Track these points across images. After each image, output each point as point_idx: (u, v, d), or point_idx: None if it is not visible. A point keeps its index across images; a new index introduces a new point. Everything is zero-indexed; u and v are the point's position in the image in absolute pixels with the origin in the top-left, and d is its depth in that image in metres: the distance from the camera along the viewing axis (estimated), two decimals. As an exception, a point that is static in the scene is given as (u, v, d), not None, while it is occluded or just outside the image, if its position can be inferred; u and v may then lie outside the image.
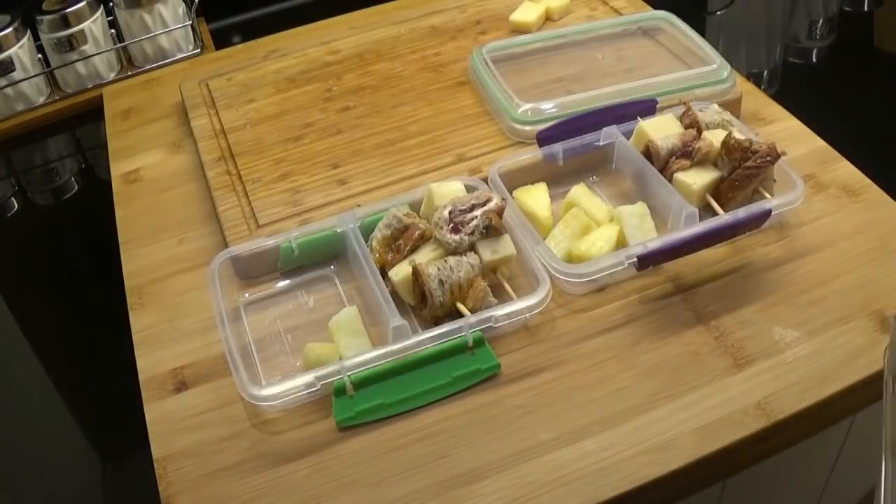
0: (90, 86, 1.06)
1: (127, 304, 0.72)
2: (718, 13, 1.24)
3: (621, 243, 0.70)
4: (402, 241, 0.68)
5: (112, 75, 1.07)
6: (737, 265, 0.70)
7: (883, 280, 0.67)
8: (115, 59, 1.08)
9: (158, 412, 0.63)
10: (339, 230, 0.70)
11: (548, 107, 0.81)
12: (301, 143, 0.84)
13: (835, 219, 0.73)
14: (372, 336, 0.66)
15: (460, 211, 0.67)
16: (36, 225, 0.96)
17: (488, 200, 0.67)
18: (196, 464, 0.59)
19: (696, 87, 0.82)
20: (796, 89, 1.06)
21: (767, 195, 0.71)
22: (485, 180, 0.74)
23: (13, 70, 1.01)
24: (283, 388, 0.60)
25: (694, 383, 0.61)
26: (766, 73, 1.10)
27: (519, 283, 0.68)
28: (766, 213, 0.68)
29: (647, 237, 0.69)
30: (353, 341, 0.64)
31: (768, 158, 0.69)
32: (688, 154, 0.73)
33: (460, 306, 0.65)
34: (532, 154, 0.76)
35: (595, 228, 0.72)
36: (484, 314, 0.63)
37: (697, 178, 0.72)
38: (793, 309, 0.66)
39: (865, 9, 1.21)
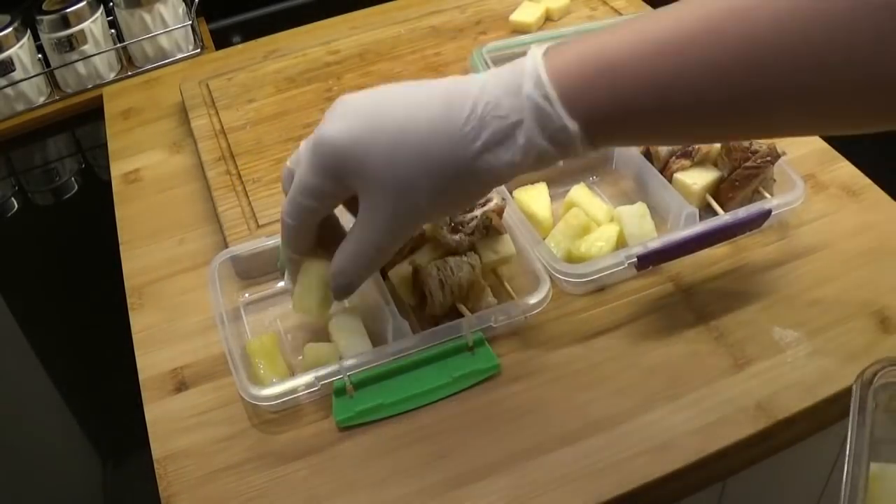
0: (90, 86, 1.06)
1: (127, 304, 0.72)
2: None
3: (621, 243, 0.70)
4: (402, 241, 0.68)
5: (112, 75, 1.07)
6: (737, 265, 0.70)
7: (883, 280, 0.67)
8: (115, 59, 1.08)
9: (158, 412, 0.63)
10: (339, 230, 0.70)
11: (548, 107, 0.80)
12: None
13: (835, 219, 0.73)
14: (372, 336, 0.65)
15: (460, 211, 0.67)
16: (36, 225, 0.96)
17: (488, 200, 0.67)
18: (196, 464, 0.59)
19: (696, 87, 0.82)
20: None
21: (767, 195, 0.71)
22: (485, 180, 0.73)
23: (13, 70, 1.00)
24: (284, 388, 0.60)
25: (694, 383, 0.61)
26: (766, 73, 1.10)
27: (519, 283, 0.68)
28: (766, 213, 0.68)
29: (647, 237, 0.69)
30: (353, 341, 0.64)
31: (768, 158, 0.69)
32: (688, 154, 0.73)
33: (460, 306, 0.65)
34: (532, 154, 0.76)
35: (595, 228, 0.72)
36: (484, 314, 0.63)
37: (697, 178, 0.72)
38: (793, 309, 0.66)
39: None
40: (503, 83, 0.49)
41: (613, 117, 0.48)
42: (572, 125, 0.47)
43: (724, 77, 0.44)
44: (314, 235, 0.58)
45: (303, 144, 0.54)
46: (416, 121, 0.49)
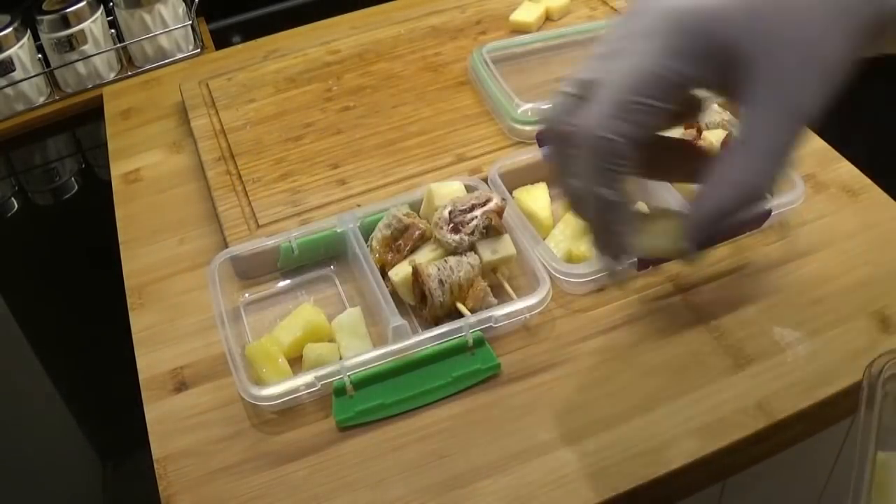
0: (90, 86, 1.06)
1: (127, 304, 0.72)
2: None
3: (621, 243, 0.70)
4: (402, 241, 0.68)
5: (112, 75, 1.07)
6: (737, 265, 0.70)
7: (883, 280, 0.67)
8: (115, 59, 1.08)
9: (158, 412, 0.63)
10: (339, 230, 0.70)
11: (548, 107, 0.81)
12: (301, 143, 0.84)
13: (835, 219, 0.73)
14: (372, 336, 0.66)
15: (460, 211, 0.67)
16: (36, 225, 0.96)
17: (488, 200, 0.67)
18: (196, 464, 0.59)
19: (696, 87, 0.82)
20: (796, 89, 1.06)
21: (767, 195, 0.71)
22: (485, 180, 0.74)
23: (13, 70, 1.01)
24: (284, 388, 0.60)
25: (694, 383, 0.61)
26: (766, 73, 1.10)
27: (519, 283, 0.68)
28: (766, 214, 0.68)
29: (647, 237, 0.69)
30: (354, 342, 0.64)
31: (768, 158, 0.69)
32: (688, 154, 0.73)
33: (460, 306, 0.65)
34: (532, 154, 0.76)
35: (595, 228, 0.71)
36: (484, 314, 0.63)
37: (697, 178, 0.72)
38: (793, 309, 0.66)
39: (865, 9, 1.21)
40: None
41: None
42: None
43: None
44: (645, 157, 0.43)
45: (619, 34, 0.42)
46: None
